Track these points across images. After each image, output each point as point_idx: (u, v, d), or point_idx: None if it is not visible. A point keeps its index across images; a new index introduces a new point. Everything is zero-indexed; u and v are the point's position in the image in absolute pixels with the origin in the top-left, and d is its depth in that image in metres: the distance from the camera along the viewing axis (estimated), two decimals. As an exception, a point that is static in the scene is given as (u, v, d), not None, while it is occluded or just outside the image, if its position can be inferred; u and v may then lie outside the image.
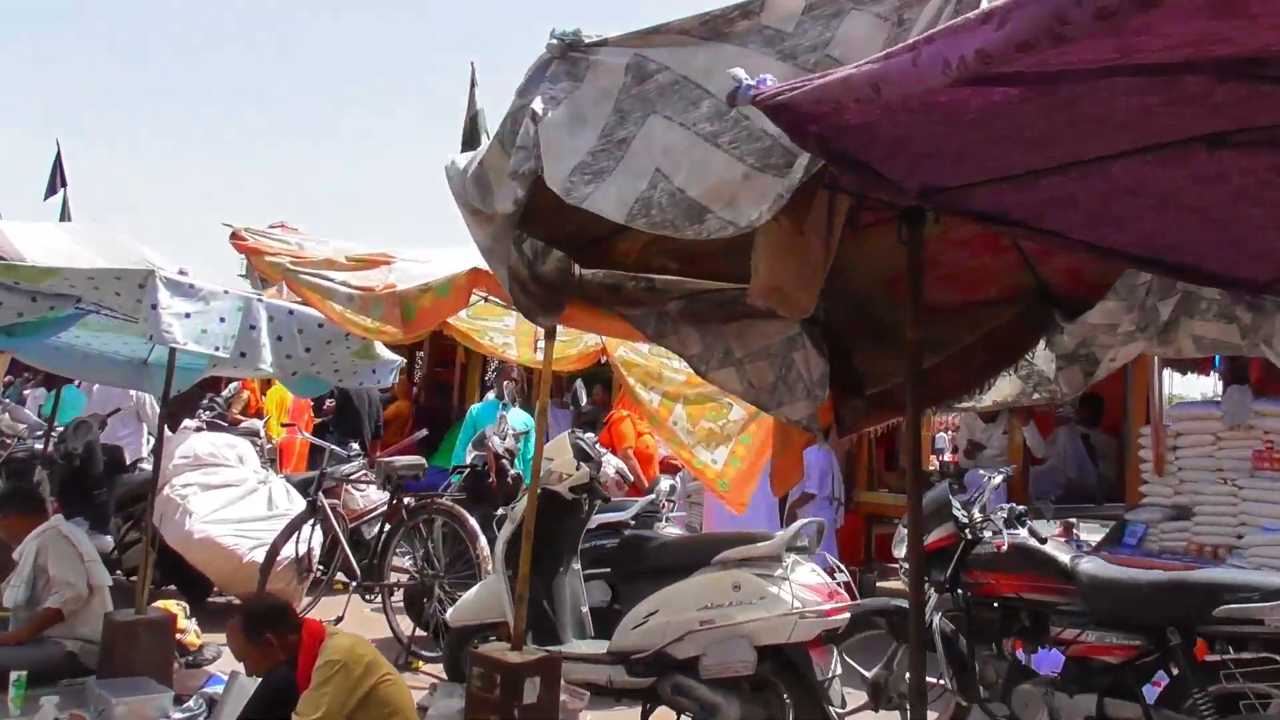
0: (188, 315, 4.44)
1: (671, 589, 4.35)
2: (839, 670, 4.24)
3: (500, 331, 5.03)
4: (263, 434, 9.05)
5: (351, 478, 7.62)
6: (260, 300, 4.77)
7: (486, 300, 4.01)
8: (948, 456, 11.83)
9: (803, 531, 4.36)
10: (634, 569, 4.86)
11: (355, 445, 6.88)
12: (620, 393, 7.18)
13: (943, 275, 3.49)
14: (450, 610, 5.16)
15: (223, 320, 4.58)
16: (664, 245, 3.42)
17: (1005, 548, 3.93)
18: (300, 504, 7.34)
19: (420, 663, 5.91)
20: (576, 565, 5.13)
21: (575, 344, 5.19)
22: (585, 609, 5.13)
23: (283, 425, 8.92)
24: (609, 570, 5.17)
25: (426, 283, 3.05)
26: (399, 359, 5.89)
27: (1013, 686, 3.96)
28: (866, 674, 4.53)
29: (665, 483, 5.55)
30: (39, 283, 4.53)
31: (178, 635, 5.51)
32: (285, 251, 3.52)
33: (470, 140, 12.01)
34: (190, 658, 5.66)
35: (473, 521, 5.83)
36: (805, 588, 4.12)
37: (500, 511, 6.54)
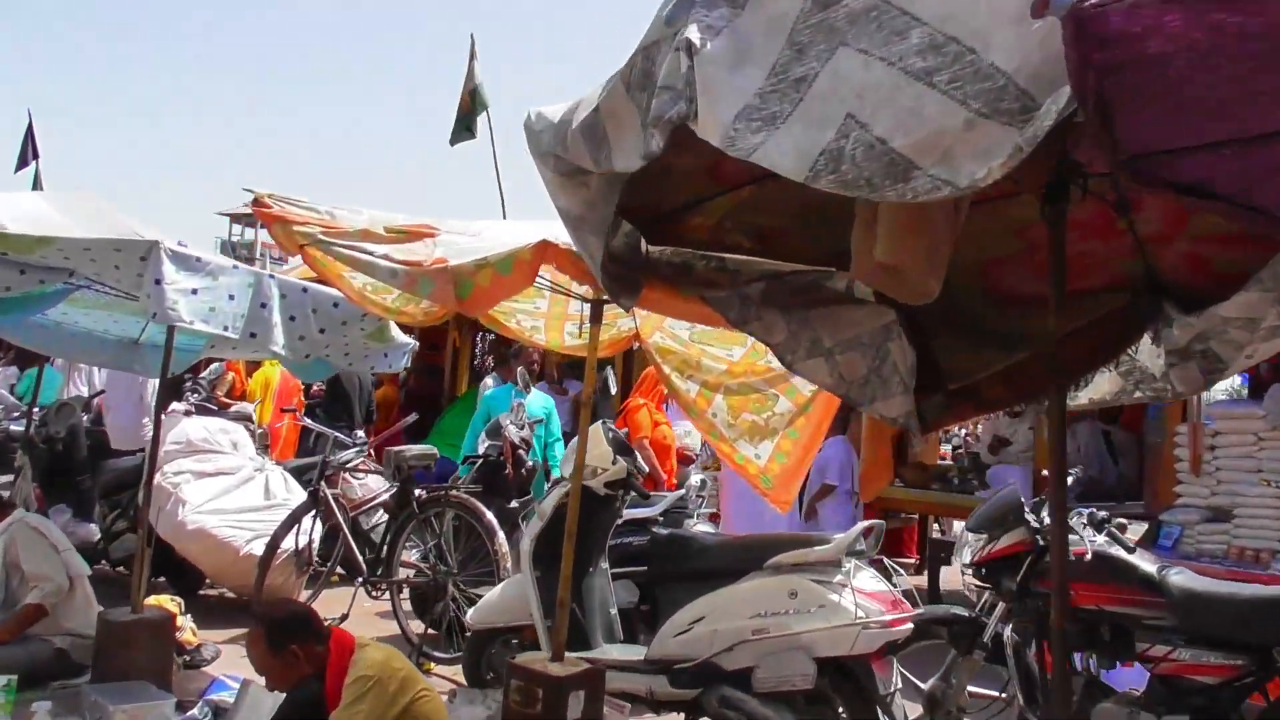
0: (194, 291, 4.07)
1: (719, 594, 4.05)
2: (899, 684, 3.96)
3: (530, 314, 4.69)
4: (254, 419, 8.64)
5: (349, 465, 7.27)
6: (272, 277, 4.42)
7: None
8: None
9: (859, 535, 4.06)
10: (671, 571, 4.55)
11: (360, 433, 6.51)
12: (640, 381, 6.84)
13: (1038, 262, 3.19)
14: (471, 611, 4.84)
15: (232, 297, 4.22)
16: (740, 222, 3.10)
17: (1089, 556, 3.65)
18: (298, 493, 6.98)
19: (432, 665, 5.58)
20: (604, 564, 4.82)
21: (608, 329, 4.84)
22: (614, 611, 4.82)
23: (284, 410, 8.50)
24: (639, 570, 4.85)
25: (484, 257, 2.71)
26: (412, 342, 5.54)
27: (1091, 704, 3.69)
28: (922, 685, 4.26)
29: (696, 477, 5.24)
30: (29, 254, 4.14)
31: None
32: (315, 221, 3.17)
33: (470, 115, 11.62)
34: (188, 657, 5.32)
35: (490, 516, 5.49)
36: (867, 595, 3.83)
37: (514, 504, 6.23)
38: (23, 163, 16.77)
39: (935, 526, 10.13)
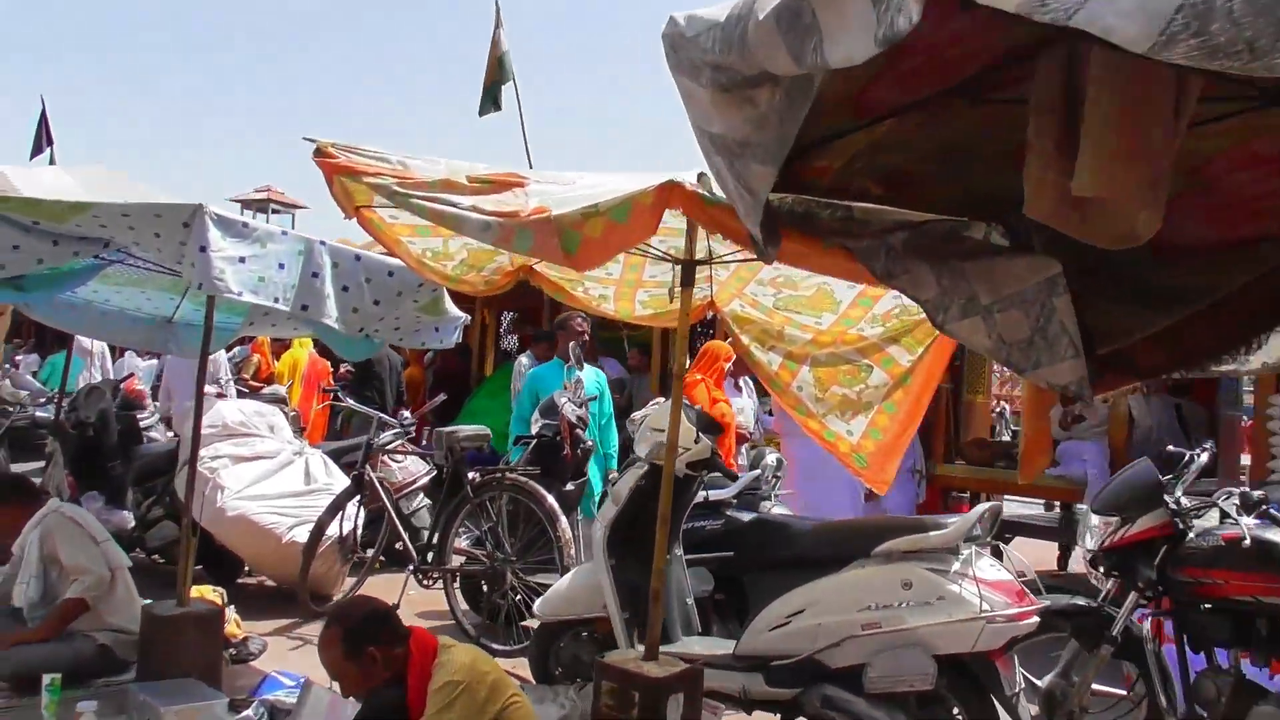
0: (241, 260, 3.72)
1: (822, 584, 3.69)
2: (1023, 683, 3.60)
3: (598, 281, 4.32)
4: (288, 401, 8.34)
5: (389, 448, 6.95)
6: (323, 244, 4.06)
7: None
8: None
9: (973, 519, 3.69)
10: (760, 558, 4.19)
11: (407, 414, 6.18)
12: (700, 355, 6.46)
13: (1213, 205, 2.81)
14: (538, 602, 4.50)
15: (282, 266, 3.87)
16: (873, 163, 2.73)
17: (1247, 541, 3.27)
18: (339, 477, 6.67)
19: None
20: (679, 551, 4.47)
21: (665, 299, 4.48)
22: (691, 601, 4.48)
23: (325, 391, 8.19)
24: (715, 557, 4.50)
25: (593, 204, 2.34)
26: (464, 316, 5.19)
27: (1245, 706, 3.32)
28: (1038, 683, 3.90)
29: (771, 456, 4.87)
30: (63, 222, 3.80)
31: (220, 628, 4.83)
32: (388, 171, 2.80)
33: (496, 85, 11.21)
34: (234, 650, 5.00)
35: (551, 500, 5.14)
36: (990, 586, 3.47)
37: (570, 487, 5.88)
38: (38, 149, 16.51)
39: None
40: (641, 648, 4.21)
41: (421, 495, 7.22)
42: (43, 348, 15.83)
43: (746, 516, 4.63)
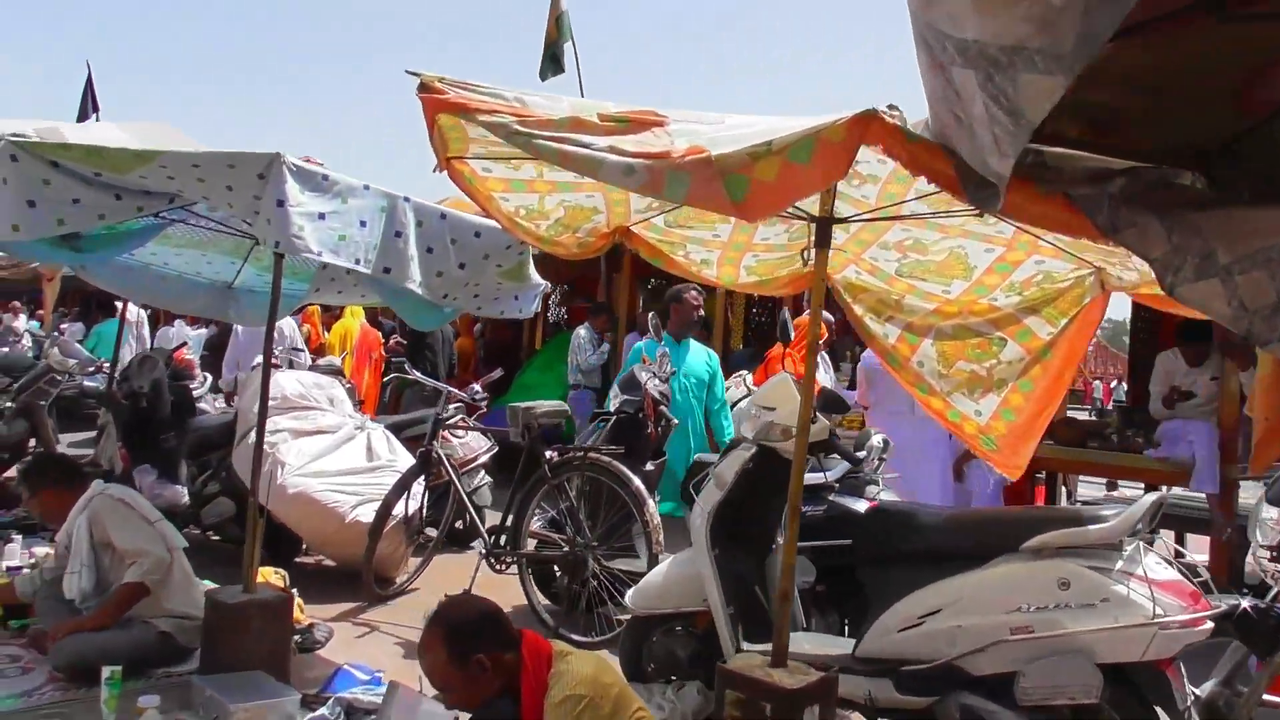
0: (321, 216, 3.38)
1: (961, 581, 3.31)
2: (1192, 696, 3.20)
3: (702, 244, 3.92)
4: (344, 373, 8.04)
5: (449, 422, 6.63)
6: (407, 200, 3.71)
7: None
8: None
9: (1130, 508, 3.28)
10: (879, 550, 3.81)
11: (477, 386, 5.81)
12: (798, 328, 6.05)
13: None
14: (630, 594, 4.15)
15: (364, 224, 3.52)
16: (1076, 100, 2.31)
17: None
18: (401, 453, 6.37)
19: (568, 648, 4.92)
20: (781, 539, 4.11)
21: (786, 263, 4.09)
22: (796, 593, 4.12)
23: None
24: (825, 545, 4.13)
25: (764, 142, 1.94)
26: (544, 284, 4.82)
27: None
28: (1197, 691, 3.50)
29: (877, 438, 4.46)
30: (128, 173, 3.46)
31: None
32: (505, 109, 2.42)
33: (556, 44, 10.80)
34: (299, 638, 4.70)
35: (638, 482, 4.78)
36: (1161, 587, 3.07)
37: (650, 467, 5.52)
38: (83, 115, 16.34)
39: (1062, 488, 9.30)
40: (747, 646, 3.89)
41: (483, 473, 6.91)
42: (87, 316, 15.73)
43: (858, 503, 4.26)
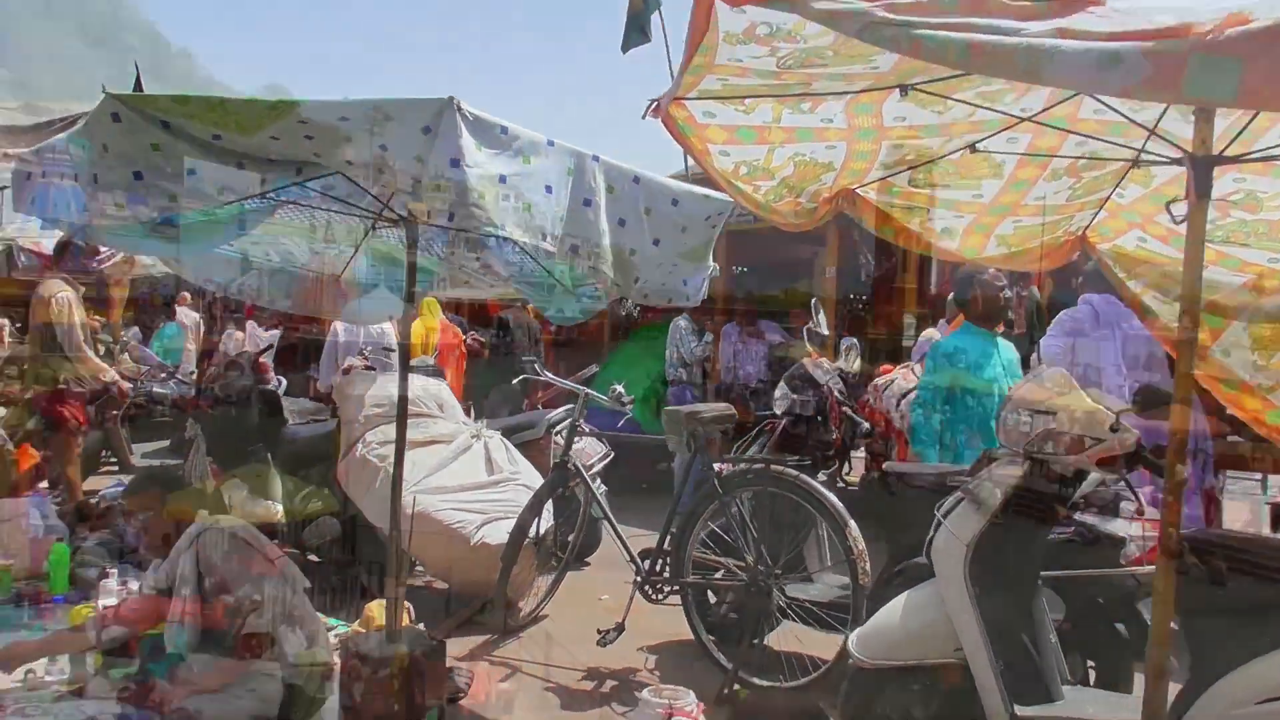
0: (502, 179, 2.64)
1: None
2: None
3: (953, 208, 3.14)
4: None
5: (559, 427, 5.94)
6: (595, 159, 2.96)
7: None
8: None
9: None
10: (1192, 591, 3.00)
11: (619, 387, 5.06)
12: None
13: None
14: (853, 639, 3.38)
15: (549, 190, 2.79)
16: None
17: None
18: (523, 464, 5.66)
19: (746, 692, 4.18)
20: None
21: (1048, 230, 3.30)
22: (1054, 638, 3.36)
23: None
24: (1106, 574, 3.37)
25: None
26: (714, 267, 4.06)
27: None
28: None
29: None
30: (255, 133, 2.74)
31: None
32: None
33: (642, 13, 10.01)
34: (438, 688, 4.01)
35: (834, 499, 4.00)
36: None
37: (823, 476, 4.76)
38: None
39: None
40: (1020, 710, 3.12)
41: (598, 480, 6.19)
42: (146, 320, 15.20)
43: (1112, 524, 3.49)
